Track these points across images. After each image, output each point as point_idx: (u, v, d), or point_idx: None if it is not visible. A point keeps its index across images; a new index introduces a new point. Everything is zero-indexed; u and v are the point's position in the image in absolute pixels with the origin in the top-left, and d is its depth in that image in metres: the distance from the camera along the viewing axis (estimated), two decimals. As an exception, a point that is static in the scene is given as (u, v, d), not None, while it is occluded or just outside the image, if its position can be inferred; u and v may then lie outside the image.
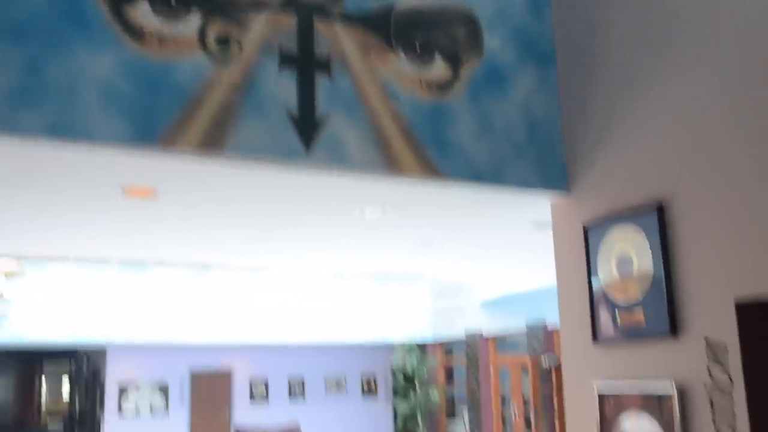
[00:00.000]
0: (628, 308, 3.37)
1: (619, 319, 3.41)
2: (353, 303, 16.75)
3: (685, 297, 3.16)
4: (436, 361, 17.26)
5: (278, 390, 17.77)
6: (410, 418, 16.64)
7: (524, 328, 14.18)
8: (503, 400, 15.69)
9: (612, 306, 3.46)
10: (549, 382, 13.34)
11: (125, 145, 3.01)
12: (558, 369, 13.13)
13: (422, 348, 17.30)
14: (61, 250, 6.75)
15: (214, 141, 3.14)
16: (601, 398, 3.45)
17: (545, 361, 13.33)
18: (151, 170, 3.50)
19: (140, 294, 14.77)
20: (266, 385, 17.64)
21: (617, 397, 3.38)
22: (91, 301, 14.34)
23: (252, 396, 17.43)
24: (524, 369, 14.65)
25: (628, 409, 3.33)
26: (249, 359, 17.56)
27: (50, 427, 33.28)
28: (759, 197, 2.95)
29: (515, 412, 14.96)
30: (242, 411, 17.10)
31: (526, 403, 14.63)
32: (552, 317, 13.05)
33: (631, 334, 3.37)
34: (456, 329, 16.61)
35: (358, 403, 18.61)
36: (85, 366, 20.33)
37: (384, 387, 18.79)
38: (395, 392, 17.76)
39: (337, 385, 18.43)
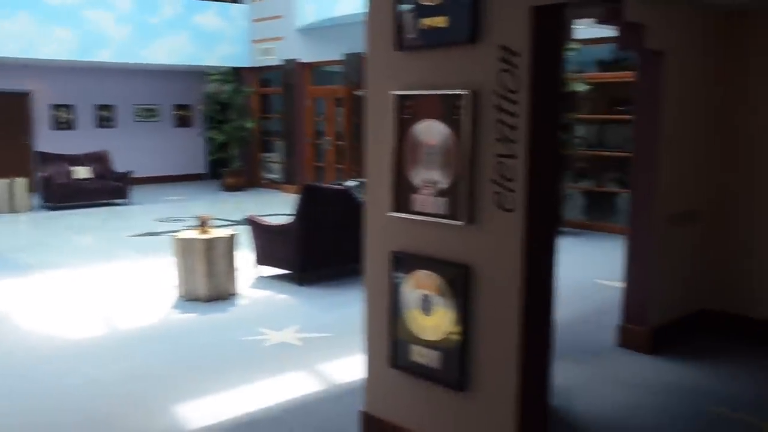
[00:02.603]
0: (432, 12, 3.30)
1: (421, 24, 3.35)
2: (166, 26, 15.70)
3: (487, 3, 3.11)
4: (251, 89, 16.97)
5: (85, 117, 16.91)
6: (224, 148, 16.61)
7: (342, 57, 14.12)
8: (317, 133, 15.99)
9: (416, 9, 3.36)
10: (362, 114, 13.65)
11: None
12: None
13: (238, 76, 16.85)
14: None
15: None
16: (400, 103, 3.47)
17: (361, 92, 13.51)
18: None
19: None
20: (71, 111, 16.70)
21: (414, 102, 3.42)
22: None
23: (57, 122, 16.50)
24: (338, 100, 14.82)
25: (424, 115, 3.39)
26: (51, 82, 16.34)
27: None
28: None
29: (328, 143, 15.36)
30: (45, 137, 16.22)
31: (339, 135, 15.01)
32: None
33: (433, 41, 3.33)
34: (273, 56, 16.24)
35: (170, 132, 18.25)
36: None
37: (198, 116, 18.45)
38: (210, 121, 17.49)
39: (149, 113, 17.83)
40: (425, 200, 3.41)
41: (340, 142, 14.92)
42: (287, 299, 7.14)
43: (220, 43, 16.57)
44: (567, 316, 6.26)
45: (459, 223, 3.27)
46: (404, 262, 3.56)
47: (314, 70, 15.86)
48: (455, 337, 3.38)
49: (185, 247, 6.95)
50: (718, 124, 5.74)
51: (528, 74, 2.97)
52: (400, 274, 3.58)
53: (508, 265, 3.13)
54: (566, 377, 4.84)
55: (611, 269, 7.24)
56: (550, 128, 3.16)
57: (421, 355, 3.56)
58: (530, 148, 3.01)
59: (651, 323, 5.42)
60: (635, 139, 5.44)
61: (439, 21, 3.28)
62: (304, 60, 15.52)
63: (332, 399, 4.65)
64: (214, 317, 6.50)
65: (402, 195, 3.51)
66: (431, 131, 3.35)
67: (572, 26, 5.96)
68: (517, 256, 3.09)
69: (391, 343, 3.70)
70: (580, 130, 11.43)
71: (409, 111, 3.44)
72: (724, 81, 5.69)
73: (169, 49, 15.78)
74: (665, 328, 5.52)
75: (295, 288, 7.46)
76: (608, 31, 5.27)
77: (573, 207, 11.54)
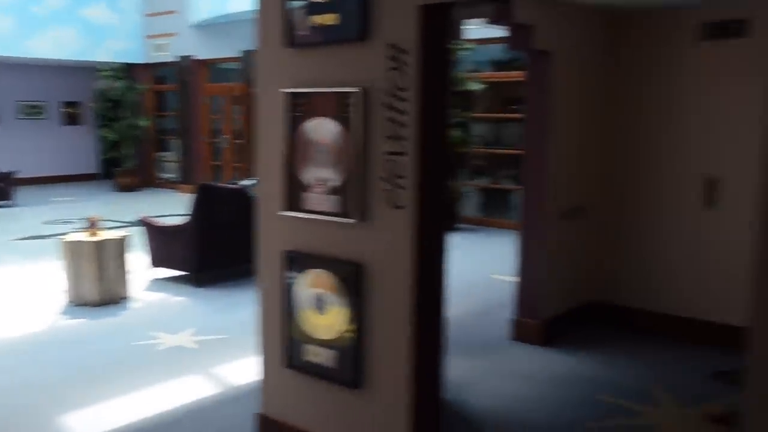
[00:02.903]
0: (322, 9, 3.27)
1: (311, 21, 3.32)
2: (52, 17, 14.99)
3: (376, 1, 3.12)
4: (145, 86, 16.45)
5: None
6: (117, 147, 16.04)
7: (239, 54, 13.89)
8: (215, 132, 15.68)
9: (307, 6, 3.33)
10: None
11: None
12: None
13: (131, 72, 16.29)
14: None
15: None
16: (291, 101, 3.43)
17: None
18: None
19: None
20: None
21: (305, 100, 3.39)
22: None
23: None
24: (235, 98, 14.59)
25: (315, 113, 3.36)
26: None
27: None
28: None
29: (226, 141, 15.09)
30: None
31: (237, 133, 14.76)
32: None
33: (323, 38, 3.31)
34: (167, 52, 15.80)
35: (59, 130, 17.49)
36: None
37: (89, 114, 17.73)
38: (101, 119, 16.84)
39: (34, 110, 17.01)
40: (317, 198, 3.38)
41: (238, 141, 14.68)
42: (183, 301, 6.96)
43: (110, 37, 15.98)
44: (463, 311, 6.38)
45: (351, 221, 3.26)
46: (297, 261, 3.53)
47: (211, 67, 15.55)
48: (349, 335, 3.37)
49: (74, 250, 6.67)
50: (605, 123, 5.97)
51: (417, 72, 2.99)
52: (294, 274, 3.54)
53: (400, 262, 3.14)
54: (461, 371, 4.92)
55: (506, 264, 7.42)
56: (439, 126, 3.20)
57: (315, 355, 3.54)
58: (420, 146, 3.03)
59: (543, 316, 5.58)
60: (526, 137, 5.59)
61: (330, 18, 3.26)
62: (200, 57, 15.18)
63: (228, 402, 4.56)
64: (105, 322, 6.26)
65: (294, 193, 3.47)
66: (322, 129, 3.32)
67: (463, 26, 6.07)
68: (409, 253, 3.11)
69: (285, 344, 3.66)
70: (477, 129, 11.66)
71: (300, 109, 3.40)
72: (610, 81, 5.93)
73: (56, 43, 15.09)
74: (557, 320, 5.70)
75: (191, 289, 7.29)
76: (501, 32, 5.39)
77: (470, 204, 11.77)
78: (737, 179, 5.37)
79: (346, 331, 3.38)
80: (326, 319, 3.46)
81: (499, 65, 11.75)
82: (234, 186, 7.74)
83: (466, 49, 10.33)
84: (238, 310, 6.58)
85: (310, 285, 3.49)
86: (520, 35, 5.12)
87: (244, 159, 14.21)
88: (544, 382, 4.87)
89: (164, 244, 7.56)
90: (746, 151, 5.24)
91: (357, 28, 3.16)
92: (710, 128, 5.51)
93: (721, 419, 4.27)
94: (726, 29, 5.34)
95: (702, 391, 4.70)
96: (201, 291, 7.24)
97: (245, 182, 7.66)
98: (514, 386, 4.80)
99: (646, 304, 5.93)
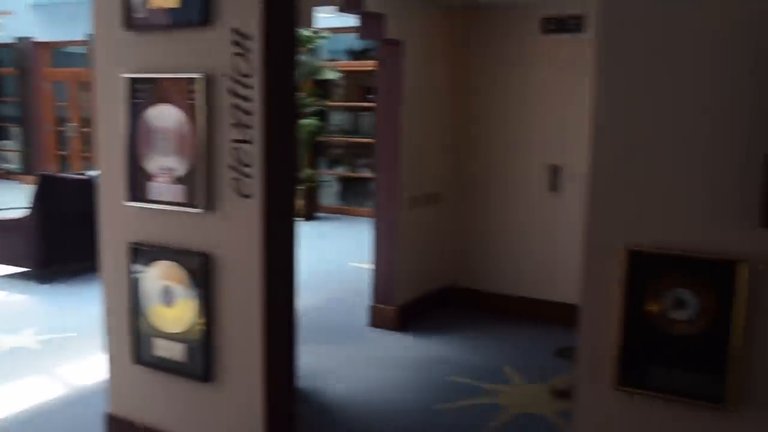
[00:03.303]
0: (162, -10, 3.16)
1: (150, 3, 3.19)
2: None
3: (219, -17, 3.04)
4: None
5: None
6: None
7: (85, 36, 13.18)
8: (61, 119, 14.82)
9: (144, -14, 3.20)
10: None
11: None
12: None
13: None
14: None
15: None
16: (132, 86, 3.29)
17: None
18: None
19: None
20: None
21: (147, 86, 3.25)
22: None
23: None
24: (83, 84, 13.87)
25: (157, 100, 3.24)
26: None
27: None
28: None
29: (73, 129, 14.31)
30: None
31: (86, 121, 14.04)
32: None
33: (163, 21, 3.19)
34: (1, 32, 14.73)
35: None
36: None
37: None
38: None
39: None
40: (162, 188, 3.27)
41: (86, 129, 13.95)
42: (24, 299, 6.54)
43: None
44: (321, 299, 6.40)
45: (197, 210, 3.17)
46: (143, 253, 3.40)
47: (54, 50, 14.65)
48: (199, 328, 3.29)
49: None
50: (457, 113, 6.14)
51: (261, 58, 2.95)
52: (140, 266, 3.41)
53: (249, 252, 3.10)
54: (318, 359, 4.94)
55: (364, 252, 7.51)
56: (286, 113, 3.17)
57: (165, 349, 3.43)
58: (266, 134, 2.99)
59: (398, 302, 5.69)
60: (378, 126, 5.66)
61: (170, 1, 3.15)
62: (41, 39, 14.26)
63: (75, 403, 4.34)
64: (-66, 325, 5.79)
65: (137, 183, 3.33)
66: (166, 116, 3.21)
67: (314, 13, 6.05)
68: (257, 242, 3.07)
69: (133, 339, 3.52)
70: (334, 117, 11.69)
71: (141, 95, 3.27)
72: (460, 72, 6.10)
73: None
74: (412, 305, 5.83)
75: (34, 287, 6.87)
76: (355, 20, 5.41)
77: (328, 193, 11.81)
78: (577, 166, 5.67)
79: (196, 323, 3.30)
80: (175, 311, 3.35)
81: (355, 54, 11.82)
82: (80, 176, 7.36)
83: (322, 37, 10.31)
84: (86, 307, 6.26)
85: (158, 277, 3.37)
86: (371, 24, 5.16)
87: (94, 148, 13.52)
88: (399, 366, 4.97)
89: (2, 239, 7.07)
90: (585, 140, 5.54)
91: (199, 11, 3.06)
92: (553, 118, 5.79)
93: (564, 393, 4.51)
94: (565, 25, 5.63)
95: (548, 368, 4.96)
96: (45, 288, 6.84)
97: (93, 172, 7.29)
98: (370, 372, 4.86)
99: (496, 287, 6.18)
